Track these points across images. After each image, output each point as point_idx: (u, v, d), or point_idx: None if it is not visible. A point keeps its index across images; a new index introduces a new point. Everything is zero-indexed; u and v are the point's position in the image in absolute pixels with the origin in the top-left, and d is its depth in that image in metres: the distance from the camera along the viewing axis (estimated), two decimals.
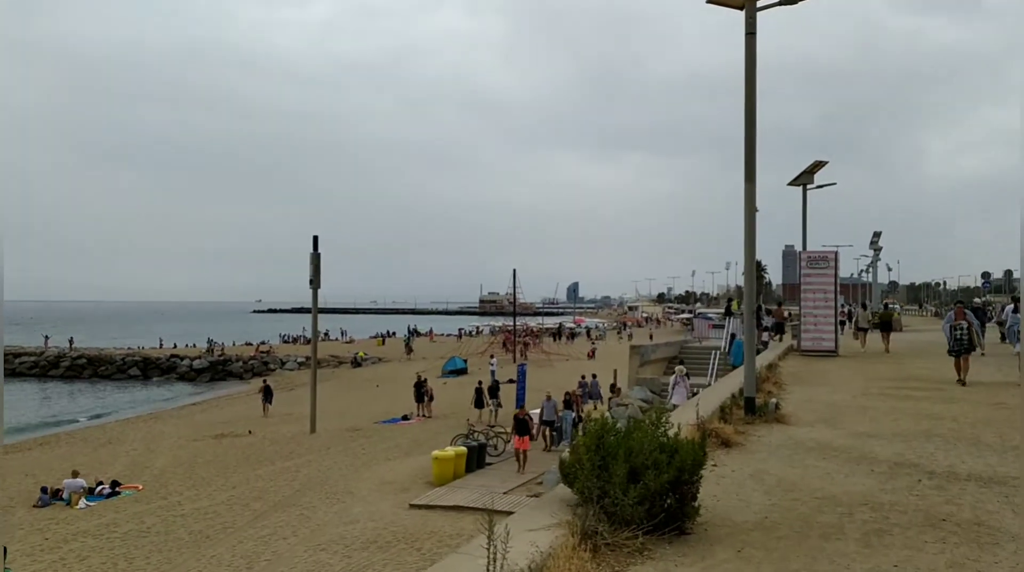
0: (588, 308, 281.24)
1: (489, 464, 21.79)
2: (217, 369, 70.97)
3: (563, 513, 5.09)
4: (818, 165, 26.99)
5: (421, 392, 33.75)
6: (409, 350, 69.47)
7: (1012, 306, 16.80)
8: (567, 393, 23.88)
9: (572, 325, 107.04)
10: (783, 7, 10.85)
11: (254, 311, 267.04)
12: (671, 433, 5.66)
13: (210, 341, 78.62)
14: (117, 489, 21.34)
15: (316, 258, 29.84)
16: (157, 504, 19.74)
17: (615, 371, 30.71)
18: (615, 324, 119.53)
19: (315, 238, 30.02)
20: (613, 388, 31.71)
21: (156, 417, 41.56)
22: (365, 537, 15.67)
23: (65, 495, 20.56)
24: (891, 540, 5.13)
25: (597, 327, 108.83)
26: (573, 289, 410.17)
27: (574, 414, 23.01)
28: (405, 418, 31.99)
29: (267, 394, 40.26)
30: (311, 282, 29.89)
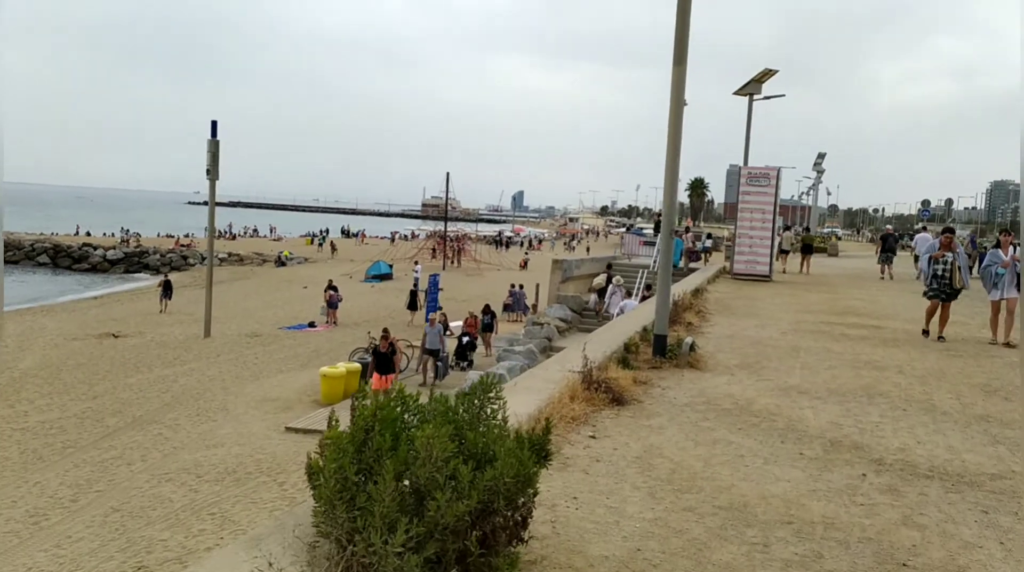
0: (532, 217, 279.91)
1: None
2: (132, 261, 67.55)
3: (289, 561, 2.96)
4: (767, 74, 24.79)
5: (331, 297, 31.38)
6: (333, 249, 67.58)
7: (994, 244, 13.24)
8: (442, 314, 21.42)
9: (511, 234, 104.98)
10: None
11: (189, 202, 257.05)
12: (499, 417, 3.55)
13: (125, 230, 74.32)
14: None
15: (214, 146, 26.67)
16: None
17: (537, 286, 28.82)
18: (557, 235, 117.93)
19: (213, 123, 26.76)
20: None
21: (47, 310, 38.39)
22: (224, 466, 13.62)
23: None
24: None
25: (546, 237, 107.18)
26: (518, 197, 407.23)
27: (467, 338, 20.72)
28: (311, 325, 29.72)
29: (166, 289, 37.49)
30: (208, 172, 26.80)
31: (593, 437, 5.58)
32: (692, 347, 8.75)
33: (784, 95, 26.21)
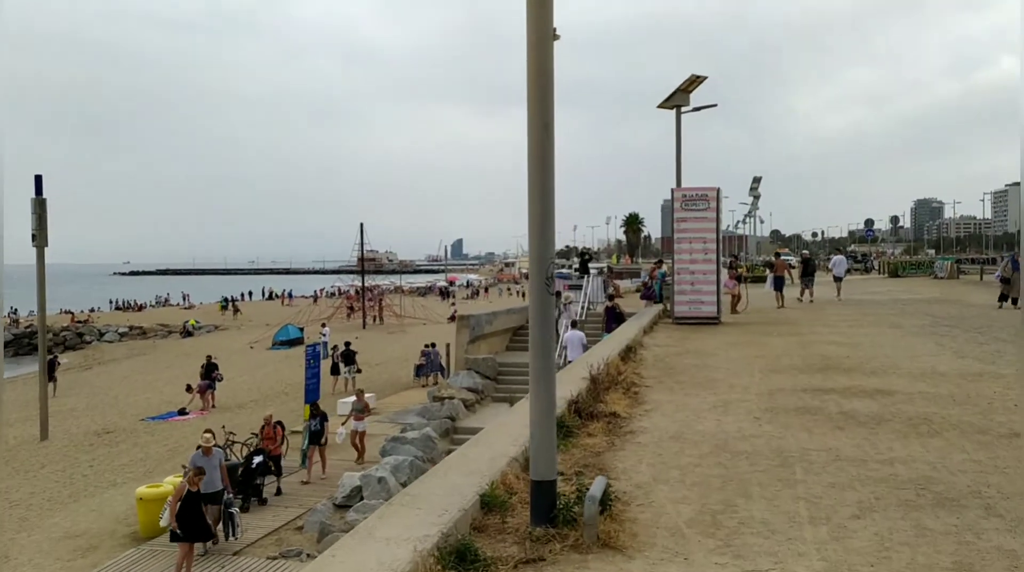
0: (471, 265, 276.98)
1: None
2: (22, 343, 61.03)
3: None
4: (695, 81, 21.28)
5: (211, 376, 26.48)
6: (235, 311, 63.55)
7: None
8: (229, 434, 15.10)
9: (444, 283, 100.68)
10: None
11: (115, 273, 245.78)
12: None
13: (13, 310, 67.70)
14: None
15: (40, 205, 21.85)
16: None
17: (448, 346, 24.44)
18: (495, 281, 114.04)
19: (38, 178, 21.97)
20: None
21: None
22: None
23: None
24: None
25: (482, 282, 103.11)
26: (457, 246, 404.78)
27: (258, 459, 13.94)
28: (182, 412, 24.76)
29: (49, 369, 32.20)
30: (34, 238, 21.91)
31: None
32: (604, 500, 4.54)
33: (716, 105, 22.77)
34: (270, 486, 14.50)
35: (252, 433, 16.93)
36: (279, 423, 15.50)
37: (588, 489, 4.53)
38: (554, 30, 4.48)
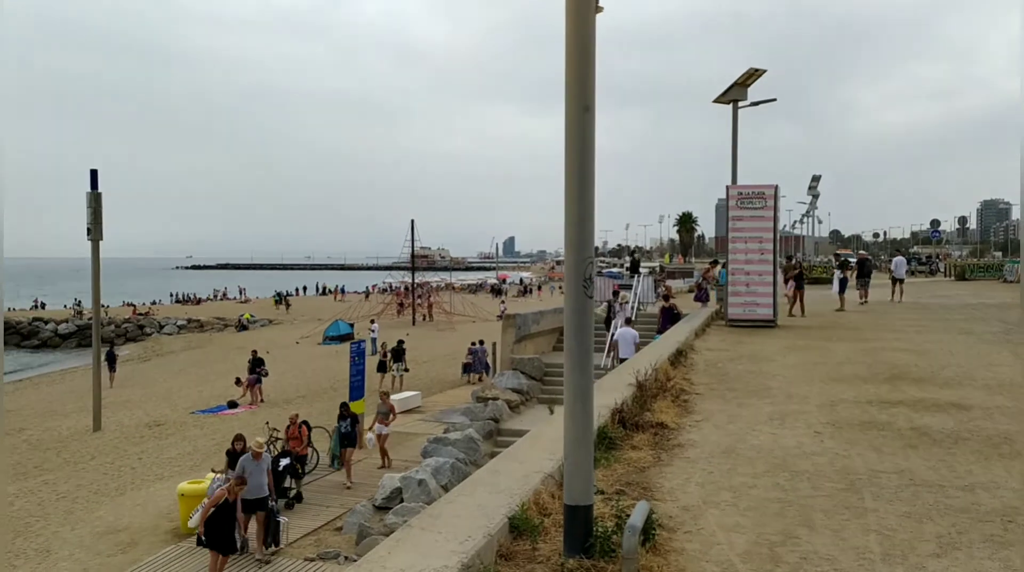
0: (523, 262, 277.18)
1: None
2: (86, 334, 62.71)
3: None
4: (753, 74, 20.47)
5: (256, 370, 26.55)
6: (287, 306, 64.76)
7: None
8: (272, 429, 14.72)
9: (496, 280, 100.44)
10: None
11: (176, 267, 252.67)
12: None
13: (77, 302, 69.61)
14: None
15: (95, 199, 22.13)
16: None
17: (494, 345, 24.04)
18: (546, 279, 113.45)
19: (93, 172, 22.26)
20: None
21: None
22: None
23: None
24: None
25: (534, 281, 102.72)
26: (509, 243, 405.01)
27: (285, 461, 13.60)
28: (231, 405, 24.88)
29: (110, 360, 33.31)
30: (89, 232, 22.20)
31: None
32: (647, 529, 4.05)
33: (775, 99, 21.90)
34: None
35: (274, 430, 16.80)
36: (304, 422, 15.30)
37: (628, 515, 4.04)
38: (596, 0, 4.00)
